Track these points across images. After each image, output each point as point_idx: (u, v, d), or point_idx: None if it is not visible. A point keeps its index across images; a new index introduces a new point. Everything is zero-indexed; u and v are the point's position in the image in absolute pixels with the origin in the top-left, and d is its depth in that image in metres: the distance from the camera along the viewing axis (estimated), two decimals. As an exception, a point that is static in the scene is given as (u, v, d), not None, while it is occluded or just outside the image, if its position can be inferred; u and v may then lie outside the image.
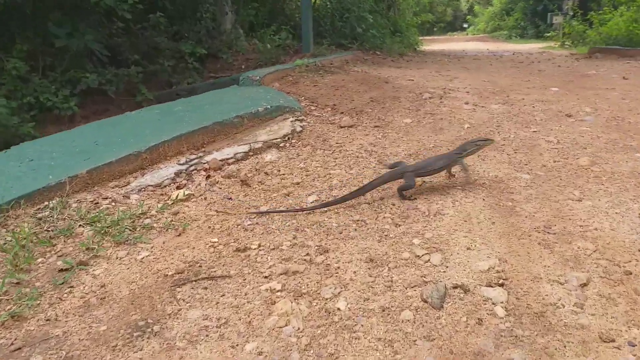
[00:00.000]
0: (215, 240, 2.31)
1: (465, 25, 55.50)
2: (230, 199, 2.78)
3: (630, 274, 1.93)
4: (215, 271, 2.04)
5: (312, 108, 4.73)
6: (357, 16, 13.79)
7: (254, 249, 2.22)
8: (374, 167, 3.23)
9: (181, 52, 7.99)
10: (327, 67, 6.90)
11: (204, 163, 3.23)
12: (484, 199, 2.66)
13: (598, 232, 2.27)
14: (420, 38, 36.03)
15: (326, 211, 2.57)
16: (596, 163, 3.19)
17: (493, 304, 1.77)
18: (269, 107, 4.22)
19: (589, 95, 5.45)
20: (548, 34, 24.67)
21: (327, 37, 12.03)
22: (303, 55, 8.20)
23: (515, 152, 3.49)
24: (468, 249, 2.15)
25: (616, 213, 2.46)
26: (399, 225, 2.39)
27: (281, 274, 2.00)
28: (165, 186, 2.93)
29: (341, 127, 4.17)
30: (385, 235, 2.30)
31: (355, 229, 2.37)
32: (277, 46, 9.16)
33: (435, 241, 2.22)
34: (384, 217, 2.49)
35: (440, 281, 1.90)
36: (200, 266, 2.09)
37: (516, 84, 6.46)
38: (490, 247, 2.15)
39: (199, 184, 2.97)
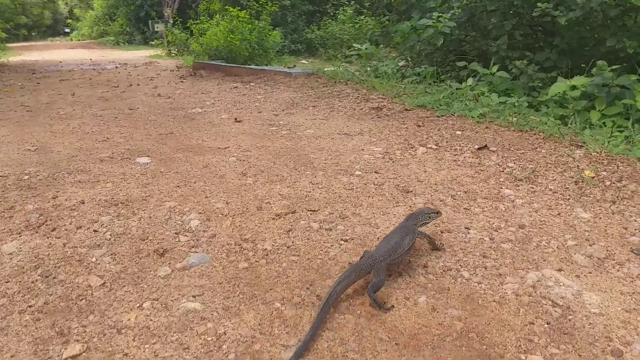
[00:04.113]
0: None
1: (67, 30, 51.03)
2: None
3: None
4: None
5: None
6: None
7: None
8: None
9: None
10: None
11: None
12: None
13: None
14: (14, 45, 29.84)
15: None
16: None
17: None
18: None
19: (195, 173, 3.40)
20: (152, 42, 23.77)
21: None
22: None
23: None
24: None
25: None
26: None
27: None
28: None
29: None
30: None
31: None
32: None
33: None
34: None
35: None
36: None
37: (85, 153, 3.91)
38: None
39: None
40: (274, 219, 2.64)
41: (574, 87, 5.08)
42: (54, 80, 10.40)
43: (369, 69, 8.49)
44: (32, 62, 16.26)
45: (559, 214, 2.68)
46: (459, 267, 2.16)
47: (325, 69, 8.29)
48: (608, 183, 3.09)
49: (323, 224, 2.58)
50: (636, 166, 3.37)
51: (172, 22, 21.42)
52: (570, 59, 6.00)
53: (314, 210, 2.74)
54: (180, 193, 2.99)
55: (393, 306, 1.88)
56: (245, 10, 15.11)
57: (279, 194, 2.99)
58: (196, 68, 11.66)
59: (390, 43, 10.16)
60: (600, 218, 2.62)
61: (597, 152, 3.66)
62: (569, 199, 2.88)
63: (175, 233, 2.45)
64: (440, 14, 6.80)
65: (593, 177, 3.18)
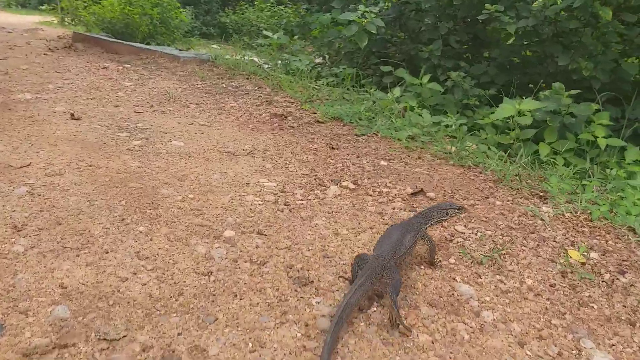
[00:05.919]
0: None
1: (-53, -16, 44.77)
2: None
3: None
4: None
5: None
6: None
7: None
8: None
9: None
10: None
11: None
12: None
13: None
14: None
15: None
16: None
17: None
18: None
19: None
20: (43, 7, 20.96)
21: None
22: None
23: None
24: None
25: None
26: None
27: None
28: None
29: None
30: None
31: None
32: None
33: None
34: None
35: None
36: None
37: None
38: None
39: None
40: (10, 367, 1.22)
41: (521, 113, 4.12)
42: None
43: (279, 62, 7.16)
44: None
45: (559, 354, 1.53)
46: None
47: (226, 57, 6.80)
48: (607, 277, 2.02)
49: (117, 385, 1.20)
50: (630, 242, 2.36)
51: (69, -14, 18.64)
52: (512, 76, 5.10)
53: (111, 340, 1.36)
54: None
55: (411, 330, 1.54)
56: (148, -19, 13.12)
57: (60, 285, 1.56)
58: (75, 40, 9.58)
59: (307, 36, 8.92)
60: (629, 367, 1.51)
61: (572, 214, 2.62)
62: (565, 313, 1.75)
63: None
64: (366, 9, 5.62)
65: (584, 264, 2.10)
